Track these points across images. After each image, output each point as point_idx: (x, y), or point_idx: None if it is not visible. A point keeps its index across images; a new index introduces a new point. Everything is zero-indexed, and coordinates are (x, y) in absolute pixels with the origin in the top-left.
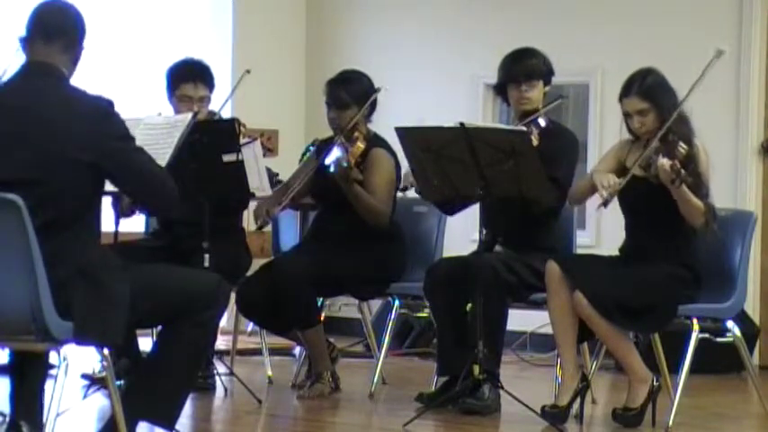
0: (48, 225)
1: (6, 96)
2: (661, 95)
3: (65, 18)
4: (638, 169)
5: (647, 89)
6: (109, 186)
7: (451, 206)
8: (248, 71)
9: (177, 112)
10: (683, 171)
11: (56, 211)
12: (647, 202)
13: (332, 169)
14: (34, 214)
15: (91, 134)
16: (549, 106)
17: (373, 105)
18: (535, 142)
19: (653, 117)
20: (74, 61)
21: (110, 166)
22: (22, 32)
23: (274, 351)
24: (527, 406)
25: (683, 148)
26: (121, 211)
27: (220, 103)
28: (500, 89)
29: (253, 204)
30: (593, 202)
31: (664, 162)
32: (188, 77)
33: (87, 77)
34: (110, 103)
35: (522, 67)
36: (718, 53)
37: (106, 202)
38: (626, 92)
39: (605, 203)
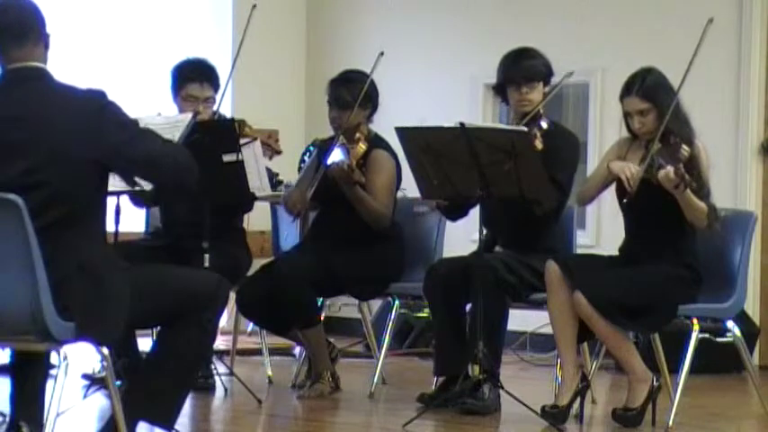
0: (51, 225)
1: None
2: (662, 95)
3: (23, 13)
4: (642, 172)
5: (648, 89)
6: (116, 186)
7: (456, 212)
8: (255, 5)
9: (182, 111)
10: (686, 176)
11: (60, 211)
12: (647, 202)
13: (333, 170)
14: (39, 216)
15: (89, 132)
16: (560, 84)
17: (375, 106)
18: (540, 146)
19: (653, 117)
20: (45, 48)
21: (117, 160)
22: None
23: (274, 351)
24: (527, 406)
25: (685, 150)
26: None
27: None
28: (499, 89)
29: (257, 205)
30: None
31: (668, 170)
32: (195, 77)
33: (88, 77)
34: (102, 95)
35: (522, 69)
36: (708, 24)
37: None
38: (626, 91)
39: (631, 196)
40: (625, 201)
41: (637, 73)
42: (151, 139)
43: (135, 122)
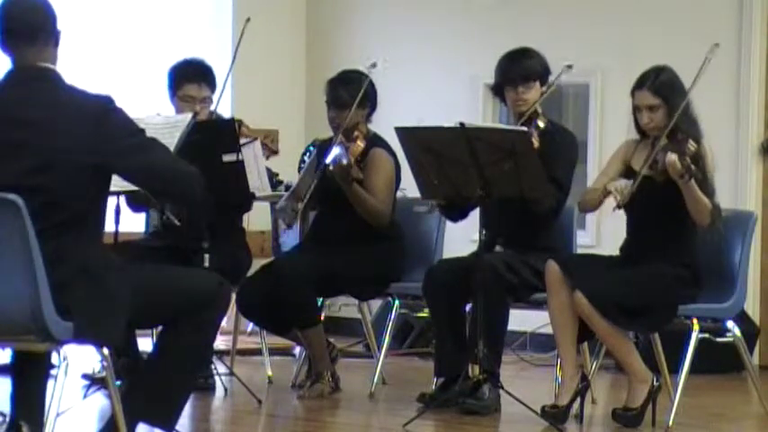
0: (51, 227)
1: (3, 104)
2: (673, 93)
3: (37, 12)
4: (645, 168)
5: (661, 85)
6: (116, 186)
7: (456, 213)
8: (248, 19)
9: (179, 112)
10: (692, 166)
11: (59, 214)
12: (650, 201)
13: (332, 168)
14: (38, 218)
15: (93, 136)
16: (554, 82)
17: (374, 105)
18: (536, 144)
19: (662, 114)
20: (55, 45)
21: (120, 166)
22: None
23: (274, 351)
24: (527, 406)
25: (692, 145)
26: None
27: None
28: (497, 90)
29: (256, 205)
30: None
31: (673, 157)
32: (192, 78)
33: (88, 77)
34: (109, 100)
35: (519, 69)
36: (713, 48)
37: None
38: (639, 85)
39: (619, 207)
40: (614, 209)
41: (651, 69)
42: (158, 149)
43: (141, 131)
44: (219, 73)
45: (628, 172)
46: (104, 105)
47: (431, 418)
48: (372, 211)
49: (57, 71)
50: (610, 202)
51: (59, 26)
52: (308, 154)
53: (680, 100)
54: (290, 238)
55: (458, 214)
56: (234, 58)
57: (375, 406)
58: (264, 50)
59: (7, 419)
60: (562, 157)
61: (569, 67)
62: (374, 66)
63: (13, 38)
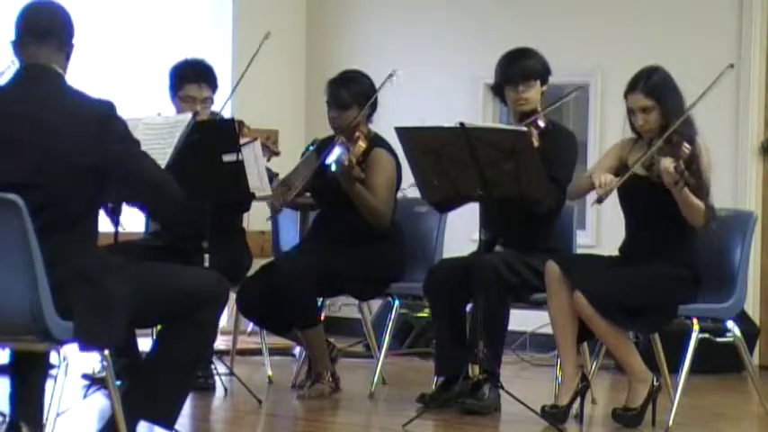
0: (48, 227)
1: (5, 102)
2: (666, 94)
3: (53, 17)
4: (639, 168)
5: (653, 87)
6: None
7: (447, 205)
8: (268, 34)
9: (180, 112)
10: (686, 173)
11: (56, 213)
12: (648, 202)
13: (333, 168)
14: (35, 217)
15: (93, 138)
16: (567, 98)
17: (374, 105)
18: (536, 143)
19: (656, 115)
20: (67, 58)
21: (111, 170)
22: (12, 36)
23: (274, 351)
24: (527, 406)
25: (686, 148)
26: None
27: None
28: (497, 90)
29: (255, 205)
30: (591, 199)
31: (668, 165)
32: (192, 78)
33: (88, 77)
34: (111, 106)
35: (519, 68)
36: (728, 67)
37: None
38: (631, 88)
39: (600, 200)
40: (592, 204)
41: (643, 70)
42: (150, 162)
43: (137, 142)
44: (220, 73)
45: (623, 170)
46: (106, 110)
47: (431, 418)
48: (374, 211)
49: (61, 73)
50: (607, 202)
51: (74, 41)
52: (307, 153)
53: (673, 100)
54: (289, 238)
55: (447, 206)
56: (246, 68)
57: (375, 406)
58: (264, 50)
59: (7, 419)
60: (562, 156)
61: (579, 88)
62: (392, 75)
63: (24, 37)
